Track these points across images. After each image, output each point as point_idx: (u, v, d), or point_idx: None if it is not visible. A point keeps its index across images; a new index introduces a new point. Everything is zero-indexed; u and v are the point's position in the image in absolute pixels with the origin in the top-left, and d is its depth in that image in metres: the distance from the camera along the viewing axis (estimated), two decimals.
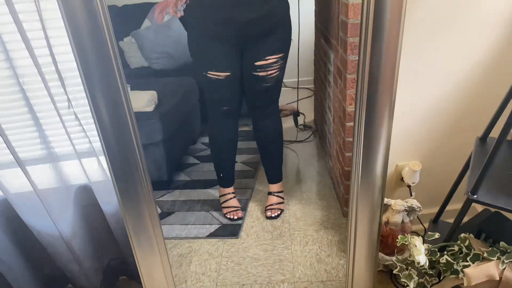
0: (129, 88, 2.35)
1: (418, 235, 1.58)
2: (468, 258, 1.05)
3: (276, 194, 1.96)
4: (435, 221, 1.41)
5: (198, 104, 2.69)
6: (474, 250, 1.06)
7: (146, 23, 3.07)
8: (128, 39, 3.06)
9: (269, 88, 1.68)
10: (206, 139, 2.76)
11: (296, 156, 2.48)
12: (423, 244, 1.12)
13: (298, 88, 2.79)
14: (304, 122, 2.92)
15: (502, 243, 1.04)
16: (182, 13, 3.16)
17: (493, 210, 1.14)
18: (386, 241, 1.41)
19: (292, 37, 1.68)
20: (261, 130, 1.85)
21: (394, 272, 1.21)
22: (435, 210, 1.43)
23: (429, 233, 1.14)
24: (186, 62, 2.94)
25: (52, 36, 0.95)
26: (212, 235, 1.79)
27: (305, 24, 2.48)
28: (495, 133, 1.03)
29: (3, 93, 1.01)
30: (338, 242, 1.68)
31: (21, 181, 1.06)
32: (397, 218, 1.39)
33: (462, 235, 1.10)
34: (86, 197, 1.21)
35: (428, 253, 1.12)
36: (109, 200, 1.19)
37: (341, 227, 1.77)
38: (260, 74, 1.63)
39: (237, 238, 1.76)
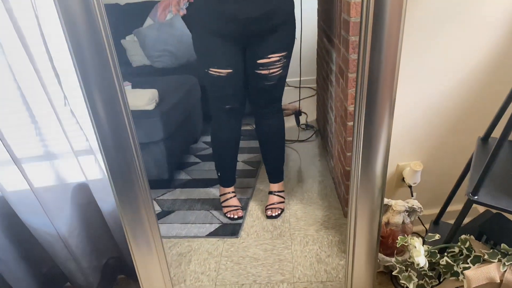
0: (130, 86, 2.36)
1: (419, 236, 1.57)
2: (468, 260, 1.04)
3: (276, 193, 1.95)
4: (436, 222, 1.40)
5: (199, 102, 2.68)
6: (474, 252, 1.04)
7: (149, 21, 3.06)
8: (130, 38, 3.06)
9: (272, 87, 1.67)
10: (207, 138, 2.75)
11: (297, 155, 2.47)
12: (423, 245, 1.11)
13: (300, 87, 2.78)
14: (306, 121, 2.91)
15: (503, 245, 1.02)
16: (184, 12, 3.16)
17: (494, 211, 1.12)
18: (387, 242, 1.39)
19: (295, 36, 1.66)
20: (263, 129, 1.84)
21: (393, 273, 1.20)
22: (437, 210, 1.42)
23: (429, 234, 1.13)
24: (188, 61, 2.93)
25: (48, 34, 0.94)
26: (212, 234, 1.78)
27: (308, 23, 2.47)
28: (497, 133, 1.02)
29: None
30: (338, 243, 1.67)
31: (18, 179, 1.05)
32: (397, 219, 1.38)
33: (463, 236, 1.08)
34: (83, 195, 1.20)
35: (428, 254, 1.11)
36: (106, 199, 1.18)
37: (342, 227, 1.76)
38: (263, 72, 1.61)
39: (237, 237, 1.75)
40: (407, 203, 1.38)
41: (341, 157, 1.81)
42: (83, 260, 1.27)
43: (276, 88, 1.70)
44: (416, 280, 1.13)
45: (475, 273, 1.00)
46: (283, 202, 1.94)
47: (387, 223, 1.40)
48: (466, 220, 1.09)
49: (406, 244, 1.14)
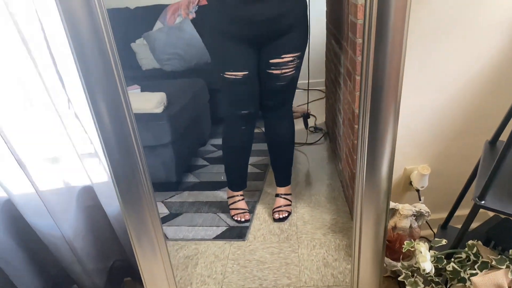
0: (139, 90, 2.37)
1: (427, 240, 1.54)
2: (475, 266, 1.02)
3: (283, 196, 1.94)
4: (444, 226, 1.38)
5: (208, 105, 2.69)
6: (482, 257, 1.02)
7: (158, 25, 3.08)
8: (140, 41, 3.08)
9: (283, 87, 1.65)
10: (215, 141, 2.76)
11: (306, 158, 2.45)
12: (429, 250, 1.09)
13: (308, 89, 2.76)
14: (315, 124, 2.89)
15: (511, 251, 1.00)
16: (193, 15, 3.17)
17: (503, 216, 1.10)
18: (394, 246, 1.37)
19: None
20: (272, 132, 1.83)
21: (399, 279, 1.18)
22: (445, 215, 1.40)
23: (435, 239, 1.11)
24: (197, 64, 2.94)
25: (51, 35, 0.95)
26: (218, 237, 1.78)
27: (316, 25, 2.46)
28: (505, 136, 1.00)
29: (3, 94, 1.01)
30: (346, 246, 1.65)
31: (24, 182, 1.06)
32: (405, 223, 1.36)
33: (470, 242, 1.06)
34: (88, 198, 1.21)
35: (434, 260, 1.09)
36: (111, 202, 1.19)
37: (350, 231, 1.74)
38: (275, 72, 1.60)
39: (244, 240, 1.75)
40: (415, 207, 1.37)
41: (349, 160, 1.79)
42: (88, 263, 1.28)
43: (288, 89, 1.68)
44: (422, 286, 1.12)
45: (483, 280, 0.98)
46: (290, 204, 1.93)
47: (394, 227, 1.39)
48: (474, 224, 1.07)
49: (412, 249, 1.12)
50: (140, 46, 3.06)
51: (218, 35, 1.55)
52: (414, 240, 1.35)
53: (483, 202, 0.96)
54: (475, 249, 1.05)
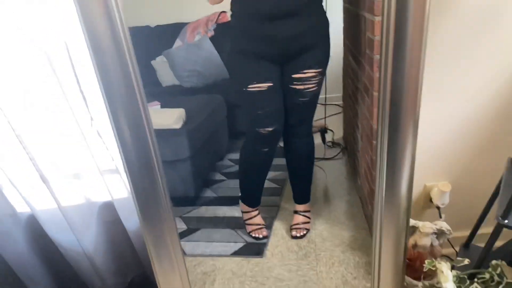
0: (159, 106, 2.41)
1: (449, 259, 1.51)
2: (500, 287, 0.99)
3: (302, 213, 1.92)
4: (467, 245, 1.34)
5: (226, 120, 2.71)
6: (506, 278, 0.99)
7: (178, 42, 3.14)
8: (160, 58, 3.14)
9: (305, 103, 1.64)
10: (233, 156, 2.77)
11: (323, 174, 2.44)
12: (452, 270, 1.06)
13: (325, 104, 2.76)
14: (332, 139, 2.88)
15: None
16: (212, 33, 3.22)
17: None
18: (414, 264, 1.35)
19: None
20: (292, 150, 1.81)
21: None
22: (467, 233, 1.36)
23: (458, 258, 1.08)
24: (216, 80, 2.98)
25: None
26: (236, 253, 1.77)
27: (333, 40, 2.47)
28: None
29: (30, 113, 1.05)
30: (365, 264, 1.62)
31: (47, 198, 1.09)
32: (425, 241, 1.33)
33: (494, 262, 1.03)
34: (109, 214, 1.23)
35: (456, 280, 1.06)
36: (131, 218, 1.21)
37: (369, 248, 1.71)
38: (298, 87, 1.60)
39: (262, 257, 1.74)
40: (435, 225, 1.34)
41: (368, 176, 1.78)
42: (108, 278, 1.29)
43: (309, 106, 1.68)
44: None
45: None
46: (308, 222, 1.90)
47: (415, 245, 1.36)
48: (498, 243, 1.04)
49: (434, 268, 1.10)
50: (160, 63, 3.12)
51: (240, 53, 1.56)
52: (435, 258, 1.32)
53: (506, 221, 0.94)
54: (499, 270, 1.02)
